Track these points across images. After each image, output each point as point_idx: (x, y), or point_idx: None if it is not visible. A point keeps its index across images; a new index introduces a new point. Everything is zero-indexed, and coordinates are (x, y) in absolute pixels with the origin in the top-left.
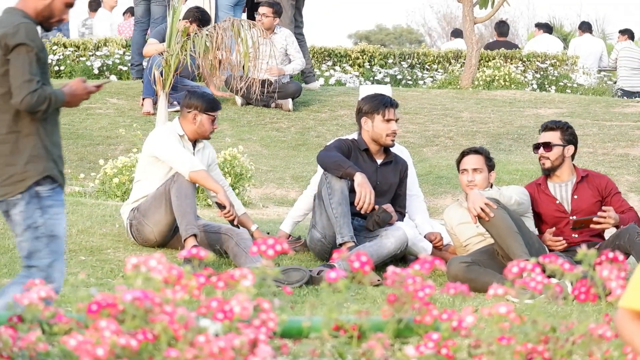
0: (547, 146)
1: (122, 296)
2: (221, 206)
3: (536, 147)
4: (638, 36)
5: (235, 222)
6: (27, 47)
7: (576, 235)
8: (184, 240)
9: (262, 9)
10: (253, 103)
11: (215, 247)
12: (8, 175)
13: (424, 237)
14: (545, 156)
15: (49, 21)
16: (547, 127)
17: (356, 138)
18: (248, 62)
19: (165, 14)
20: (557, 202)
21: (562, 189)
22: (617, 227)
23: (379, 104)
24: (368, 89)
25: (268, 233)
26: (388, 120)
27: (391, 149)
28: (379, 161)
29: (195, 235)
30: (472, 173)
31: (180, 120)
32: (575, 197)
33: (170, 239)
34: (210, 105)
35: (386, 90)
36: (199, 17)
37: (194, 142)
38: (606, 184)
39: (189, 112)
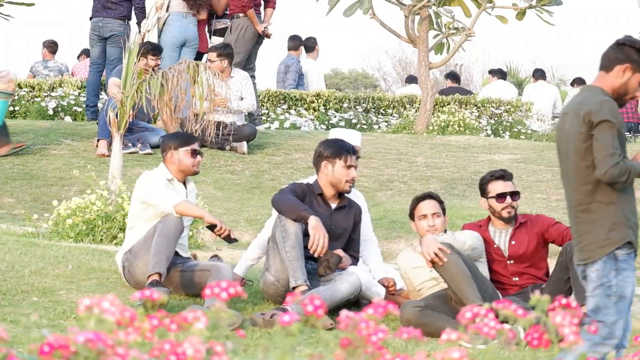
0: (516, 195)
1: (75, 338)
2: (212, 227)
3: (502, 196)
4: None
5: (232, 236)
6: (609, 123)
7: (516, 279)
8: (148, 276)
9: (209, 54)
10: (207, 145)
11: (198, 286)
12: (589, 241)
13: (378, 281)
14: (513, 205)
15: (623, 98)
16: (505, 176)
17: (311, 182)
18: (203, 104)
19: (121, 55)
20: (495, 246)
21: (501, 234)
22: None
23: (341, 150)
24: (338, 132)
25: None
26: (349, 167)
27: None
28: (334, 205)
29: (159, 274)
30: (432, 218)
31: (164, 164)
32: (513, 242)
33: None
34: (184, 139)
35: (356, 135)
36: (150, 48)
37: (185, 183)
38: (542, 221)
39: (165, 153)
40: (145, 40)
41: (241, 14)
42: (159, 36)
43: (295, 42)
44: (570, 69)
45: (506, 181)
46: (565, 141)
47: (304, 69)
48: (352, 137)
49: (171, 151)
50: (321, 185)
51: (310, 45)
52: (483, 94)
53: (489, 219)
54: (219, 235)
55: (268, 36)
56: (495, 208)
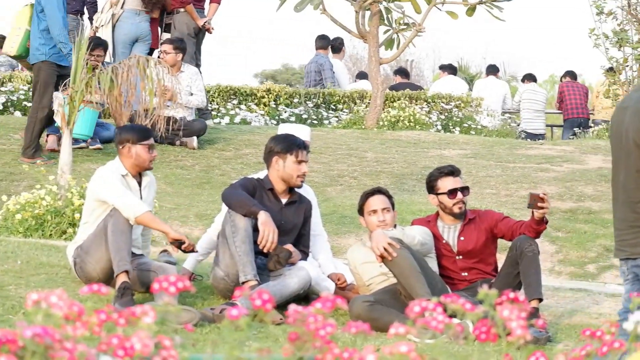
0: (466, 190)
1: (22, 332)
2: (176, 242)
3: (453, 192)
4: (541, 79)
5: (195, 250)
6: None
7: (465, 274)
8: (116, 276)
9: (163, 46)
10: (158, 140)
11: (147, 285)
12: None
13: (328, 276)
14: (464, 201)
15: None
16: (454, 172)
17: (261, 177)
18: (153, 99)
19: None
20: (444, 241)
21: (450, 230)
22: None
23: (292, 145)
24: (288, 128)
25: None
26: (300, 162)
27: (296, 189)
28: (284, 201)
29: (127, 272)
30: (382, 213)
31: (119, 158)
32: (462, 238)
33: (113, 275)
34: (142, 134)
35: (306, 130)
36: (97, 43)
37: (140, 177)
38: (491, 216)
39: (122, 147)
40: (96, 35)
41: (181, 9)
42: (112, 32)
43: (324, 42)
44: (520, 64)
45: (455, 177)
46: (625, 136)
47: (333, 68)
48: (301, 132)
49: (129, 145)
50: (272, 181)
51: (337, 45)
52: (434, 90)
53: (437, 214)
54: (184, 251)
55: (209, 31)
56: (447, 204)
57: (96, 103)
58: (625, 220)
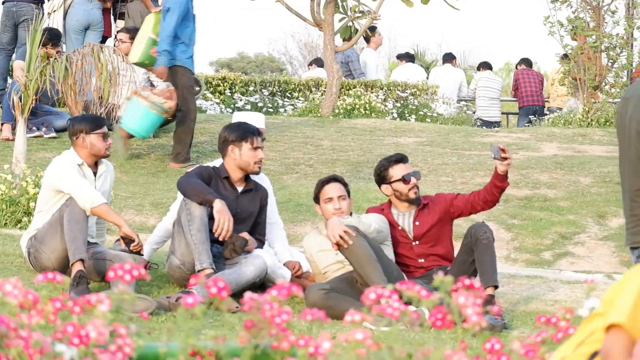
0: (418, 174)
1: None
2: (125, 239)
3: (407, 177)
4: (497, 67)
5: (142, 253)
6: None
7: (422, 260)
8: (71, 264)
9: (119, 35)
10: (112, 129)
11: (103, 274)
12: None
13: (284, 265)
14: (417, 185)
15: None
16: (403, 158)
17: (217, 166)
18: (108, 87)
19: None
20: (400, 228)
21: (404, 216)
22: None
23: (247, 132)
24: (242, 116)
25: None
26: (256, 148)
27: (253, 177)
28: (240, 189)
29: (82, 260)
30: (338, 200)
31: (74, 148)
32: (417, 223)
33: (68, 265)
34: (95, 123)
35: (260, 118)
36: (49, 37)
37: (96, 167)
38: (443, 198)
39: (76, 138)
40: (47, 25)
41: None
42: (64, 18)
43: None
44: (478, 53)
45: (405, 163)
46: (628, 125)
47: (361, 59)
48: (255, 119)
49: (82, 135)
50: (227, 169)
51: (369, 35)
52: (393, 77)
53: (389, 202)
54: (130, 249)
55: None
56: (402, 191)
57: (161, 108)
58: (626, 209)
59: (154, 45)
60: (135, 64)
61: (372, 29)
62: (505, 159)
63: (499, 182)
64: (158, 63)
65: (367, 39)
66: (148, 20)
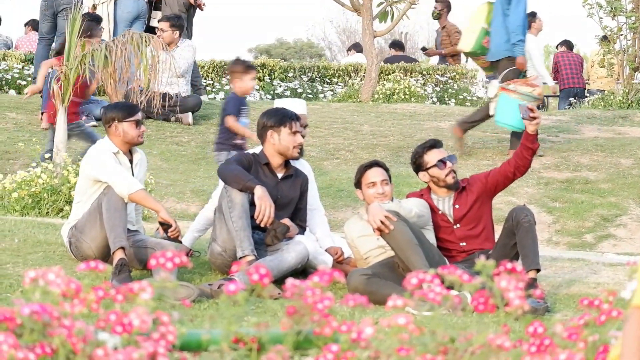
0: (454, 158)
1: (20, 310)
2: (164, 224)
3: (443, 162)
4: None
5: (180, 239)
6: None
7: (464, 244)
8: (113, 253)
9: (161, 24)
10: (153, 117)
11: (144, 262)
12: None
13: (325, 251)
14: (454, 169)
15: None
16: (436, 144)
17: (257, 152)
18: (148, 75)
19: None
20: (440, 212)
21: (444, 201)
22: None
23: (285, 117)
24: (283, 102)
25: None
26: (294, 133)
27: (293, 163)
28: (280, 175)
29: (123, 248)
30: (381, 185)
31: (108, 136)
32: (457, 206)
33: (109, 254)
34: (127, 111)
35: (301, 104)
36: (90, 20)
37: (131, 154)
38: (478, 178)
39: (109, 126)
40: (96, 13)
41: None
42: (115, 9)
43: None
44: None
45: (439, 148)
46: None
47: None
48: (297, 105)
49: (115, 123)
50: (267, 155)
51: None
52: (430, 62)
53: (429, 188)
54: (168, 235)
55: (201, 7)
56: (439, 176)
57: (531, 96)
58: None
59: (486, 35)
60: (466, 53)
61: (533, 14)
62: (534, 118)
63: (529, 144)
64: (517, 53)
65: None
66: (481, 10)
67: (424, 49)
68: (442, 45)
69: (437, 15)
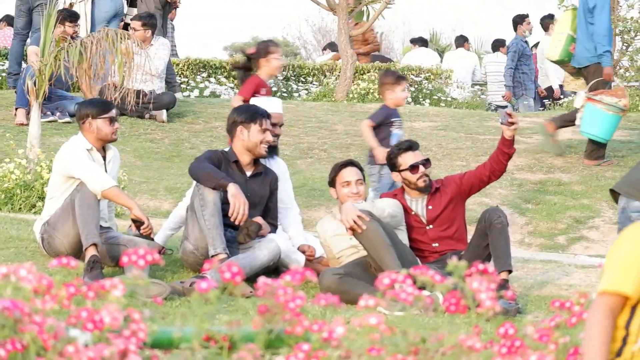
0: (428, 162)
1: None
2: (136, 221)
3: (415, 166)
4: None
5: (152, 237)
6: None
7: (436, 244)
8: (85, 249)
9: (133, 23)
10: (127, 114)
11: (116, 259)
12: None
13: (298, 249)
14: (426, 173)
15: None
16: (413, 146)
17: (226, 150)
18: (122, 72)
19: None
20: (413, 213)
21: (417, 201)
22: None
23: (256, 114)
24: (259, 101)
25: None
26: (264, 130)
27: (267, 161)
28: (249, 173)
29: (95, 245)
30: (356, 185)
31: (81, 133)
32: (430, 207)
33: (82, 250)
34: (101, 108)
35: (277, 103)
36: (67, 15)
37: (104, 151)
38: (452, 179)
39: (83, 122)
40: (65, 8)
41: None
42: (92, 8)
43: (517, 18)
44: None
45: (415, 151)
46: None
47: (539, 48)
48: (273, 105)
49: (89, 120)
50: (236, 153)
51: (545, 23)
52: (406, 62)
53: (403, 188)
54: (140, 233)
55: (176, 4)
56: (411, 180)
57: (620, 108)
58: None
59: (572, 42)
60: (554, 61)
61: (551, 16)
62: (512, 123)
63: (506, 148)
64: (604, 64)
65: (546, 27)
66: (565, 17)
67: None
68: (356, 43)
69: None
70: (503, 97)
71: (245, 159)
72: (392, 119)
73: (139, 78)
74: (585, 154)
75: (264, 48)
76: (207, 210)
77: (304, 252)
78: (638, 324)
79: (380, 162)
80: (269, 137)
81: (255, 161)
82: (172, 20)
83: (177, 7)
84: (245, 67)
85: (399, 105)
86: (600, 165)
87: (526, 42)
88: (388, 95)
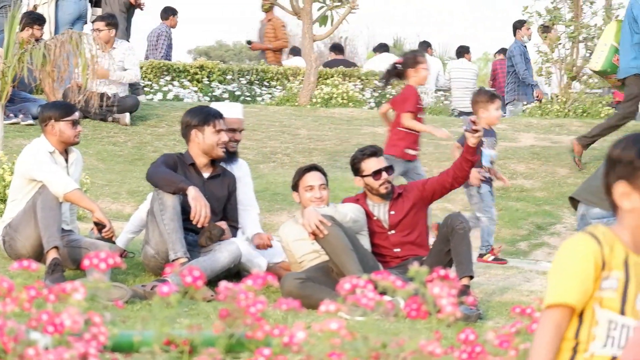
0: (391, 169)
1: None
2: (98, 224)
3: (378, 172)
4: (475, 57)
5: (113, 239)
6: None
7: (398, 250)
8: (46, 252)
9: (96, 24)
10: (90, 117)
11: (78, 262)
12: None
13: (253, 237)
14: (389, 180)
15: None
16: (377, 152)
17: (183, 153)
18: (86, 75)
19: None
20: (375, 218)
21: (380, 207)
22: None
23: (209, 115)
24: (219, 106)
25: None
26: (219, 131)
27: (229, 164)
28: (206, 175)
29: (57, 248)
30: (319, 189)
31: (44, 135)
32: (392, 212)
33: (43, 253)
34: (64, 110)
35: (238, 108)
36: (35, 18)
37: (67, 154)
38: (415, 185)
39: (46, 125)
40: (32, 11)
41: None
42: (56, 10)
43: (517, 23)
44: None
45: (378, 157)
46: None
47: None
48: (233, 110)
49: (52, 122)
50: (192, 155)
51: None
52: (368, 67)
53: (365, 193)
54: (102, 236)
55: (141, 7)
56: (373, 185)
57: None
58: None
59: (616, 53)
60: (596, 72)
61: (521, 22)
62: (476, 131)
63: (470, 156)
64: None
65: (546, 29)
66: (610, 28)
67: (249, 43)
68: (266, 39)
69: (269, 7)
70: (536, 97)
71: (202, 161)
72: (484, 137)
73: (102, 81)
74: (580, 137)
75: (412, 58)
76: (166, 214)
77: (259, 240)
78: (587, 332)
79: (474, 184)
80: (224, 137)
81: (213, 163)
82: (173, 27)
83: (142, 9)
84: (397, 75)
85: (492, 124)
86: (575, 159)
87: (525, 46)
88: (481, 114)
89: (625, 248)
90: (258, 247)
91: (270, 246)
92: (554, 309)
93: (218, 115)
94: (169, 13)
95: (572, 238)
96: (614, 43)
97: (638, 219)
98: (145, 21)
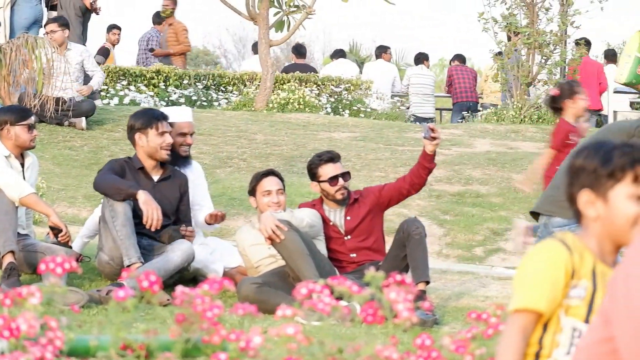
0: (347, 175)
1: None
2: (54, 229)
3: (334, 179)
4: (431, 63)
5: (70, 244)
6: None
7: (354, 255)
8: (2, 256)
9: (48, 27)
10: (46, 121)
11: (34, 266)
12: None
13: (205, 217)
14: (345, 186)
15: None
16: (334, 158)
17: (131, 157)
18: (42, 79)
19: None
20: (331, 223)
21: (335, 212)
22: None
23: (152, 118)
24: (169, 111)
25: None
26: (162, 133)
27: (184, 167)
28: (156, 178)
29: (13, 252)
30: (277, 194)
31: (0, 140)
32: (348, 218)
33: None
34: (20, 114)
35: (187, 112)
36: None
37: (22, 158)
38: (372, 191)
39: (1, 129)
40: None
41: None
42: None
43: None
44: (411, 49)
45: (335, 163)
46: None
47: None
48: (182, 113)
49: (7, 127)
50: (140, 159)
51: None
52: (325, 72)
53: (321, 198)
54: (58, 240)
55: (97, 11)
56: (329, 191)
57: None
58: None
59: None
60: (622, 83)
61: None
62: (434, 138)
63: (427, 163)
64: None
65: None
66: (633, 39)
67: (151, 50)
68: (168, 44)
69: (170, 13)
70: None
71: (150, 164)
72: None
73: (58, 85)
74: None
75: (569, 89)
76: (118, 220)
77: (212, 215)
78: (551, 339)
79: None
80: (168, 139)
81: (162, 165)
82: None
83: (98, 14)
84: (554, 109)
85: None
86: None
87: None
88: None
89: (593, 257)
90: (213, 222)
91: (224, 216)
92: (522, 314)
93: (161, 117)
94: (161, 18)
95: (542, 243)
96: (638, 54)
97: (603, 227)
98: (141, 27)
